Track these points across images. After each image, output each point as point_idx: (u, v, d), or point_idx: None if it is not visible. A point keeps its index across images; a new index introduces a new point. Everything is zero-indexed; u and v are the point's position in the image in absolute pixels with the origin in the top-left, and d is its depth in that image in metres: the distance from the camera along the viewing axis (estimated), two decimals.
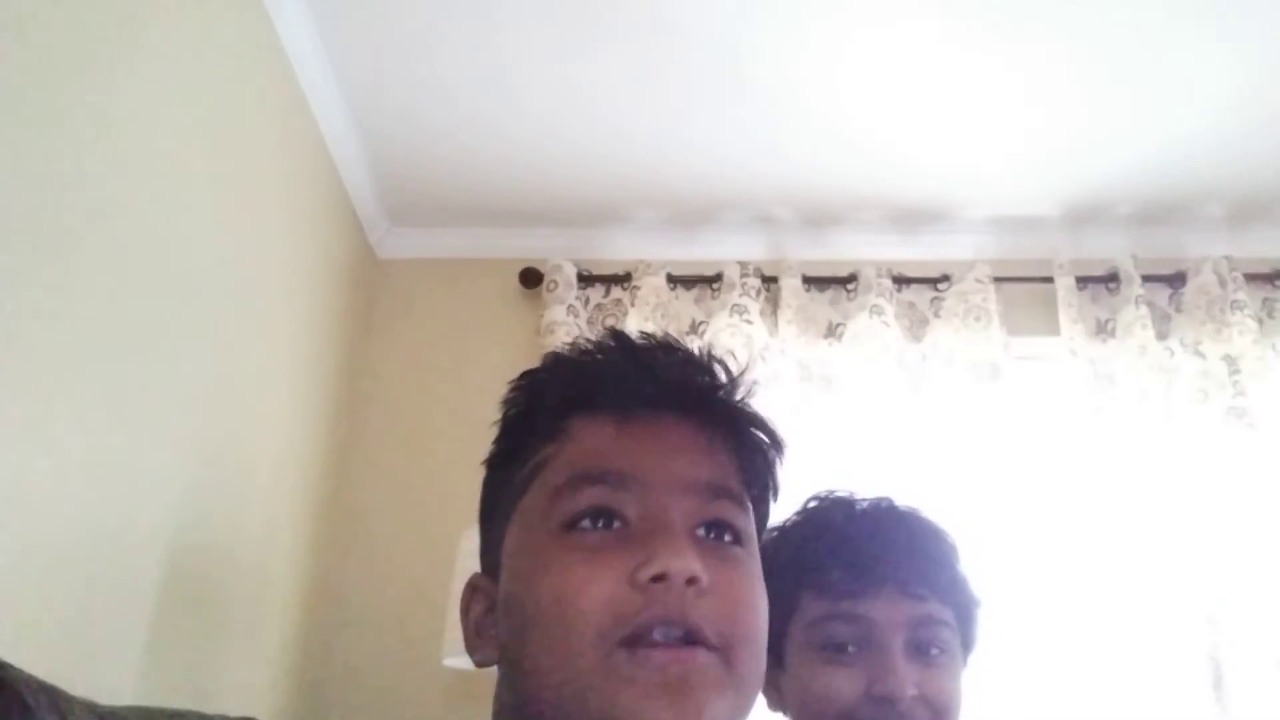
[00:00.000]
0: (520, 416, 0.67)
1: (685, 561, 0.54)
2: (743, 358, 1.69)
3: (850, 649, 0.82)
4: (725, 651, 0.55)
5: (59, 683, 0.56)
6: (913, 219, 1.88)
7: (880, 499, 0.92)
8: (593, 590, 0.54)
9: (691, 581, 0.54)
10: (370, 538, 1.64)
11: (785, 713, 0.89)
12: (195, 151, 1.13)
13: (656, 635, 0.53)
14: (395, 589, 1.59)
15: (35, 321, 0.83)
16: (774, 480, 0.67)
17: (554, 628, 0.54)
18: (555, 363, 0.68)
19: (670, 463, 0.60)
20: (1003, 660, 1.47)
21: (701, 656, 0.54)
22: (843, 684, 0.81)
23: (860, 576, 0.84)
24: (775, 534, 0.92)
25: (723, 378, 0.65)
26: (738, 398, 0.65)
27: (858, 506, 0.91)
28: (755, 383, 0.68)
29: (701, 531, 0.59)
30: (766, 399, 1.64)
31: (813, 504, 0.94)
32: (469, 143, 1.70)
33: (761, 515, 0.68)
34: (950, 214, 1.88)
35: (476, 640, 0.64)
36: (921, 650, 0.83)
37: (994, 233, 1.90)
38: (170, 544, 1.06)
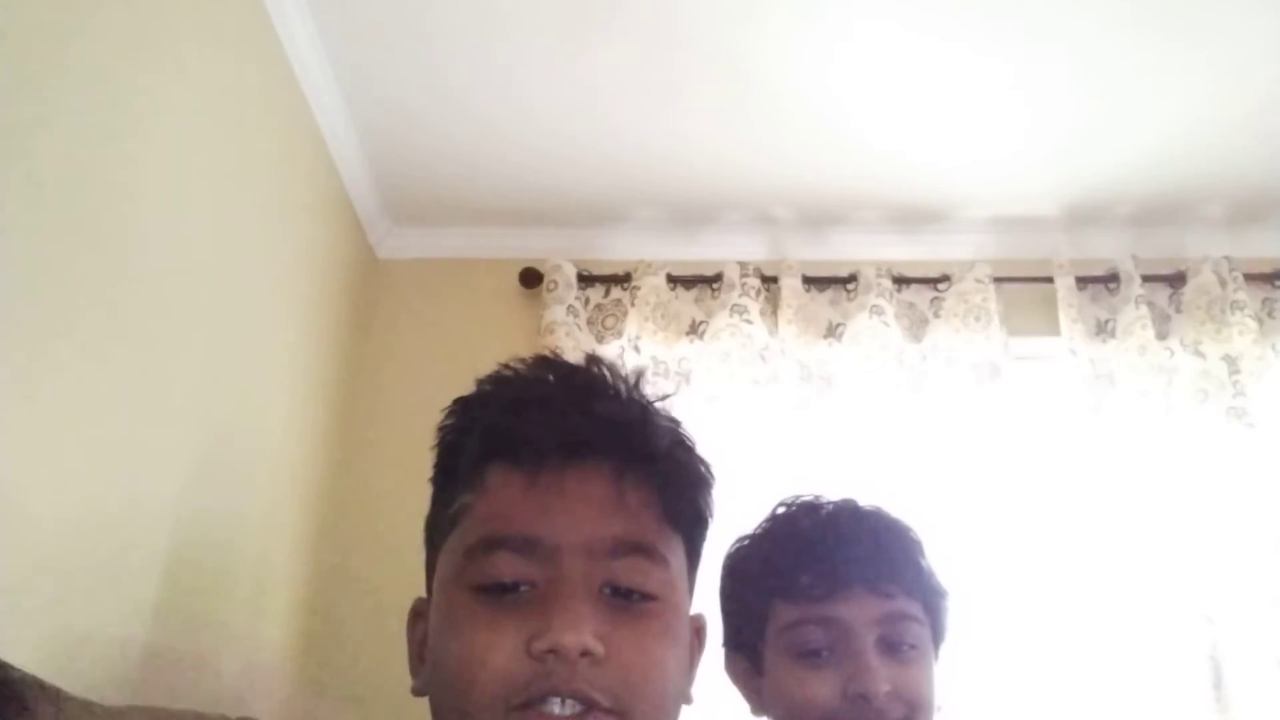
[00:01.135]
0: (448, 455, 0.68)
1: (577, 635, 0.56)
2: (743, 357, 1.70)
3: (824, 653, 0.83)
4: (623, 714, 0.57)
5: (59, 683, 0.56)
6: (913, 219, 1.88)
7: (844, 500, 0.93)
8: (491, 659, 0.56)
9: (584, 654, 0.56)
10: (370, 537, 1.64)
11: (768, 716, 0.89)
12: (195, 150, 1.13)
13: (553, 706, 0.55)
14: (396, 587, 1.58)
15: (36, 321, 0.83)
16: (707, 507, 0.68)
17: (458, 688, 0.57)
18: (481, 402, 0.67)
19: (577, 523, 0.60)
20: (1002, 659, 1.47)
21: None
22: (819, 688, 0.82)
23: (828, 579, 0.85)
24: (744, 543, 0.93)
25: (649, 416, 0.65)
26: (657, 431, 0.64)
27: (823, 510, 0.92)
28: (663, 394, 0.67)
29: (606, 591, 0.60)
30: (767, 399, 1.66)
31: (779, 510, 0.95)
32: (469, 143, 1.70)
33: (696, 543, 0.69)
34: (950, 214, 1.88)
35: (418, 664, 0.67)
36: (893, 647, 0.84)
37: (994, 233, 1.89)
38: (170, 545, 1.06)
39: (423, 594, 0.70)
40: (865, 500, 0.94)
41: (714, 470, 0.69)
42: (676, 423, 0.67)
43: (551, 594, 0.58)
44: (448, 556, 0.63)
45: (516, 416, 0.63)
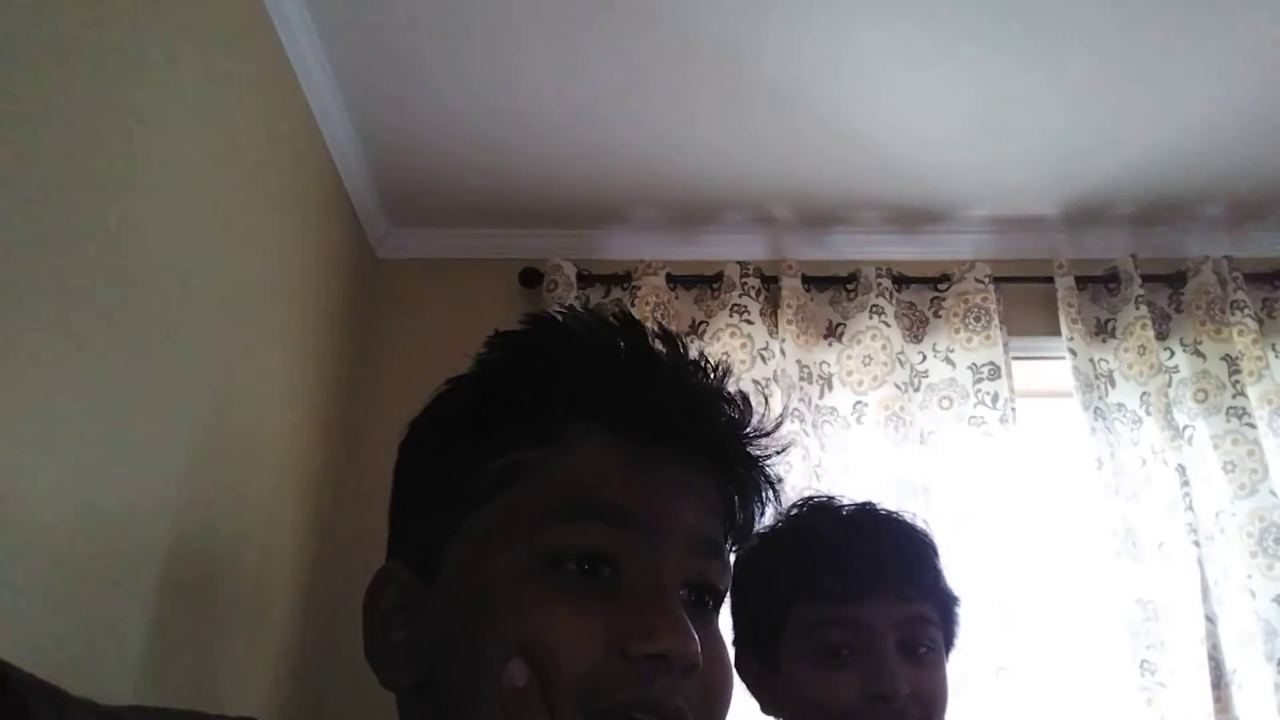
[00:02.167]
0: (499, 394, 0.55)
1: (689, 645, 0.48)
2: (743, 358, 1.70)
3: (844, 653, 0.83)
4: None
5: (59, 683, 0.56)
6: (913, 219, 1.88)
7: (864, 503, 0.94)
8: (576, 651, 0.47)
9: (691, 670, 0.48)
10: (371, 537, 1.64)
11: (780, 715, 0.89)
12: (195, 150, 1.13)
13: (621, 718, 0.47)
14: None
15: (37, 321, 0.83)
16: (751, 531, 0.62)
17: (520, 678, 0.47)
18: (559, 339, 0.56)
19: (677, 510, 0.53)
20: (1001, 658, 1.47)
21: None
22: (840, 688, 0.82)
23: (852, 581, 0.85)
24: (759, 541, 0.92)
25: (745, 417, 0.57)
26: (760, 447, 0.58)
27: (843, 512, 0.93)
28: (788, 435, 0.62)
29: (684, 593, 0.53)
30: (767, 399, 1.65)
31: (795, 511, 0.95)
32: (469, 143, 1.70)
33: (731, 553, 0.63)
34: (950, 214, 1.88)
35: (381, 641, 0.55)
36: (911, 650, 0.85)
37: (994, 233, 1.89)
38: (170, 545, 1.06)
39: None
40: (883, 506, 0.94)
41: (783, 491, 0.62)
42: (771, 434, 0.59)
43: (644, 588, 0.50)
44: (498, 520, 0.52)
45: (616, 380, 0.53)
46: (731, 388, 0.59)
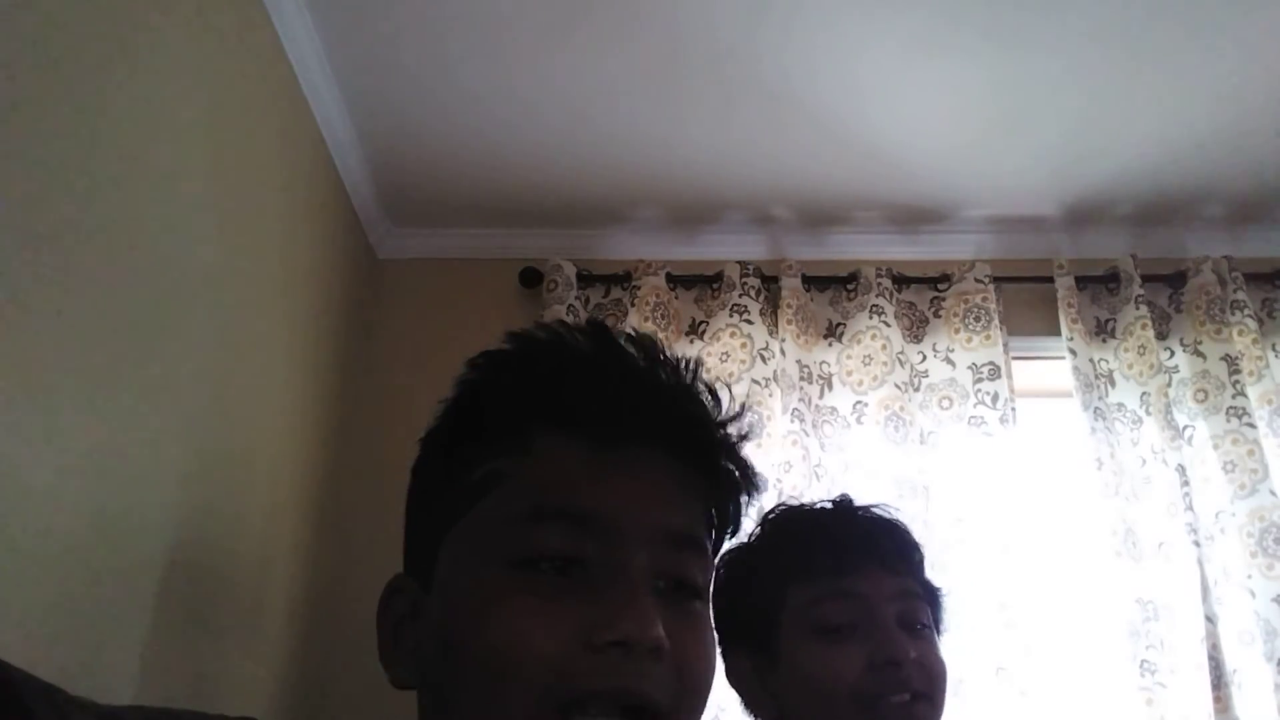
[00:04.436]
0: (475, 410, 0.60)
1: (650, 629, 0.50)
2: (743, 357, 1.70)
3: (844, 628, 0.84)
4: (671, 717, 0.52)
5: (59, 683, 0.56)
6: (913, 219, 1.88)
7: (839, 496, 0.97)
8: (542, 644, 0.49)
9: (655, 651, 0.50)
10: (370, 537, 1.64)
11: (768, 710, 0.89)
12: (195, 151, 1.13)
13: (593, 710, 0.49)
14: None
15: (37, 320, 0.83)
16: (743, 514, 0.64)
17: (492, 678, 0.50)
18: (524, 354, 0.60)
19: (643, 507, 0.55)
20: (1001, 658, 1.47)
21: None
22: (844, 661, 0.82)
23: (845, 556, 0.86)
24: (738, 548, 0.93)
25: (714, 411, 0.60)
26: (727, 435, 0.60)
27: (821, 505, 0.95)
28: (751, 421, 0.64)
29: (661, 584, 0.55)
30: (767, 399, 1.66)
31: (772, 515, 0.97)
32: (469, 143, 1.70)
33: (719, 546, 0.65)
34: (950, 214, 1.88)
35: (393, 650, 0.59)
36: (910, 625, 0.86)
37: (994, 233, 1.90)
38: (170, 545, 1.06)
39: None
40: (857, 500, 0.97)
41: (763, 479, 0.64)
42: (741, 421, 0.62)
43: (612, 580, 0.52)
44: (475, 528, 0.55)
45: (578, 388, 0.56)
46: (709, 383, 0.61)
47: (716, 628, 0.89)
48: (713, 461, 0.59)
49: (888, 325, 1.73)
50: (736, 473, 0.61)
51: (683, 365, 0.60)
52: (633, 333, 0.61)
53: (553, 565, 0.53)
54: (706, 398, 0.60)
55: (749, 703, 0.91)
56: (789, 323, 1.73)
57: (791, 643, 0.86)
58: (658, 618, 0.51)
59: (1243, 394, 1.64)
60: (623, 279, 1.81)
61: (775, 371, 1.70)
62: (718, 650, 0.60)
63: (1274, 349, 1.74)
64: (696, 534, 0.58)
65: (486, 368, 0.61)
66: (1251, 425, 1.61)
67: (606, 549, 0.53)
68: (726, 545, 0.67)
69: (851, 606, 0.85)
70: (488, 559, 0.54)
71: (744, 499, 0.63)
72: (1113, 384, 1.73)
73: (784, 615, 0.86)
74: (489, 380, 0.60)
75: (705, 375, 0.61)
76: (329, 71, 1.52)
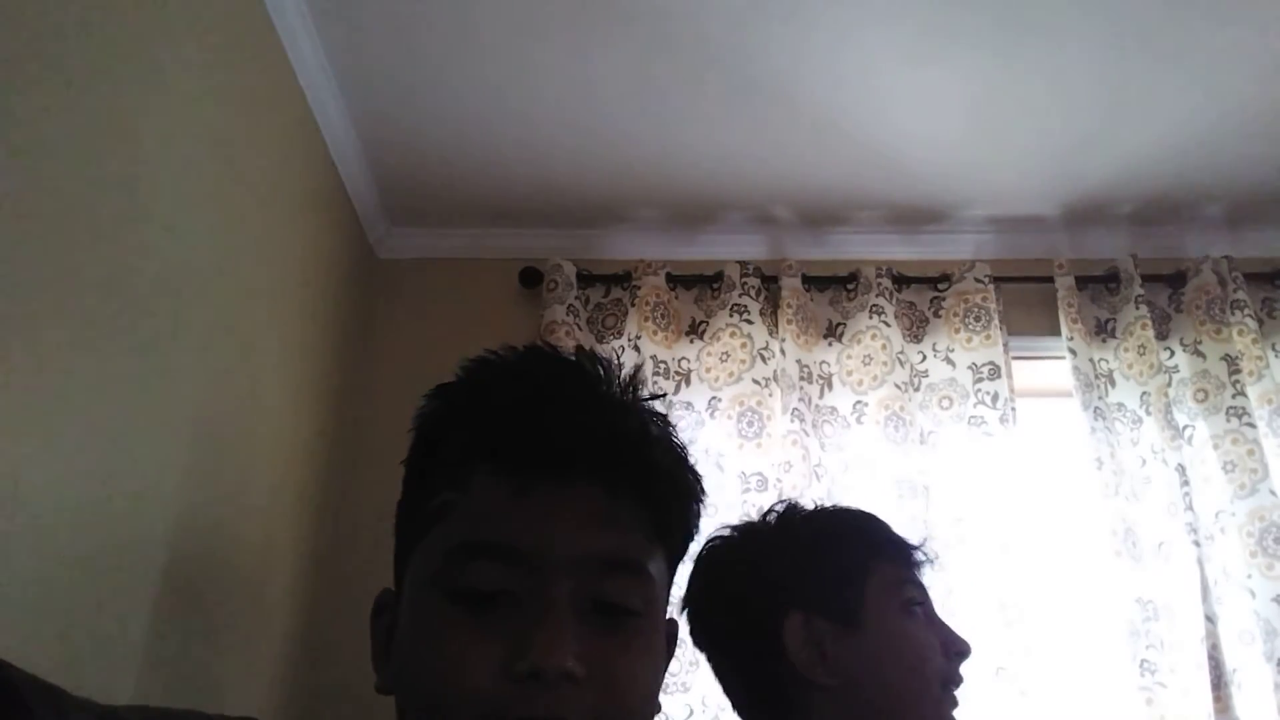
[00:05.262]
0: (428, 446, 0.64)
1: (559, 657, 0.53)
2: (743, 357, 1.70)
3: (921, 610, 0.93)
4: None
5: (59, 683, 0.56)
6: (913, 219, 1.88)
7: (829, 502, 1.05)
8: (467, 679, 0.53)
9: (567, 677, 0.53)
10: (370, 537, 1.64)
11: (828, 671, 0.88)
12: (195, 149, 1.13)
13: None
14: None
15: (38, 320, 0.83)
16: (694, 521, 0.66)
17: (429, 701, 0.55)
18: (467, 388, 0.63)
19: (567, 539, 0.57)
20: (1002, 658, 1.47)
21: None
22: (928, 640, 0.91)
23: (912, 551, 0.96)
24: (812, 518, 0.98)
25: (651, 426, 0.62)
26: (663, 449, 0.62)
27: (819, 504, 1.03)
28: (672, 415, 0.65)
29: (589, 608, 0.57)
30: (767, 399, 1.66)
31: (783, 509, 1.01)
32: (469, 142, 1.70)
33: (678, 554, 0.67)
34: (950, 214, 1.88)
35: (384, 660, 0.63)
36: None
37: (994, 233, 1.90)
38: (170, 544, 1.06)
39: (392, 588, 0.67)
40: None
41: (704, 484, 0.67)
42: (672, 434, 0.64)
43: (534, 611, 0.55)
44: (425, 555, 0.59)
45: (507, 424, 0.59)
46: (647, 397, 0.64)
47: (778, 590, 0.90)
48: (645, 480, 0.60)
49: (888, 325, 1.73)
50: (674, 485, 0.63)
51: (617, 383, 0.63)
52: (572, 355, 0.64)
53: (484, 597, 0.56)
54: (643, 415, 0.62)
55: (805, 663, 0.88)
56: (789, 322, 1.73)
57: (879, 613, 0.90)
58: (569, 643, 0.54)
59: (1243, 394, 1.64)
60: (623, 279, 1.81)
61: (775, 371, 1.70)
62: (652, 665, 0.60)
63: (1274, 349, 1.74)
64: (629, 556, 0.60)
65: (438, 399, 0.64)
66: (1251, 425, 1.61)
67: (530, 581, 0.56)
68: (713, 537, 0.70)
69: (922, 593, 0.93)
70: (431, 587, 0.58)
71: (693, 505, 0.65)
72: (1113, 384, 1.73)
73: (869, 587, 0.91)
74: (438, 414, 0.64)
75: (646, 386, 0.63)
76: (329, 71, 1.52)
